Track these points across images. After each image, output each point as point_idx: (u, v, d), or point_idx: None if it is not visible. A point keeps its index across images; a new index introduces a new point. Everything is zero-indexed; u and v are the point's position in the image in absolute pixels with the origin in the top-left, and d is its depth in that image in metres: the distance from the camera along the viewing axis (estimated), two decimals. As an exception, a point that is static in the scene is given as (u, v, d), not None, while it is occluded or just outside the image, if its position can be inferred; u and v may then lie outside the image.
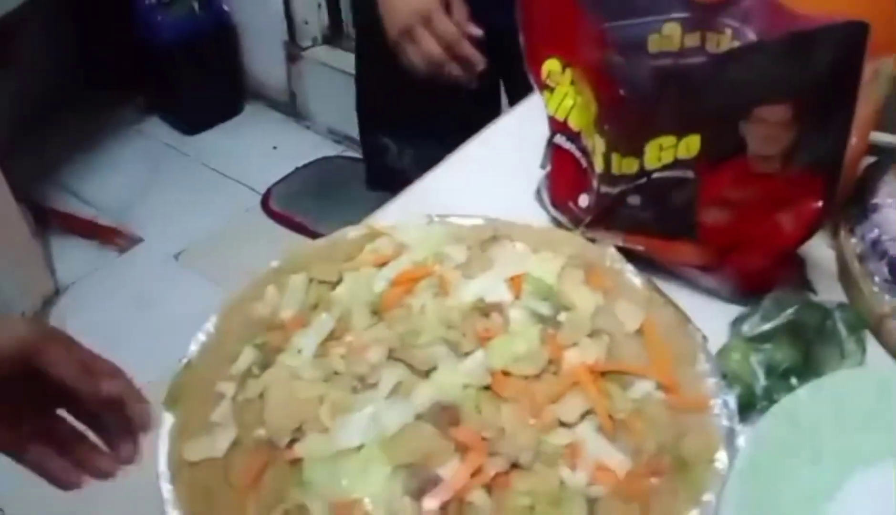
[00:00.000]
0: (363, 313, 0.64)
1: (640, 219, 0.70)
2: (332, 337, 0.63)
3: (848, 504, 0.52)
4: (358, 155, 2.20)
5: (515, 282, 0.66)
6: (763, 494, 0.52)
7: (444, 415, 0.55)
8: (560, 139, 0.75)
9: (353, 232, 0.74)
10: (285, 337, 0.63)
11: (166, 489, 0.56)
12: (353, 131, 2.23)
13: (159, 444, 0.59)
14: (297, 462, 0.55)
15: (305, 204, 1.99)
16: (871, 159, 0.76)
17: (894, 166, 0.75)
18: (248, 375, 0.61)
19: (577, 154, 0.73)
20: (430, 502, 0.51)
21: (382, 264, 0.69)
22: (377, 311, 0.64)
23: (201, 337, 0.67)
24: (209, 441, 0.57)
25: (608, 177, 0.68)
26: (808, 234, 0.66)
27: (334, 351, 0.61)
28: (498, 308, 0.64)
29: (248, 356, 0.62)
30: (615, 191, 0.68)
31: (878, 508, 0.51)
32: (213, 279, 1.71)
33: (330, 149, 2.21)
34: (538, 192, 0.82)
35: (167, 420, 0.60)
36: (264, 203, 2.04)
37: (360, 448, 0.54)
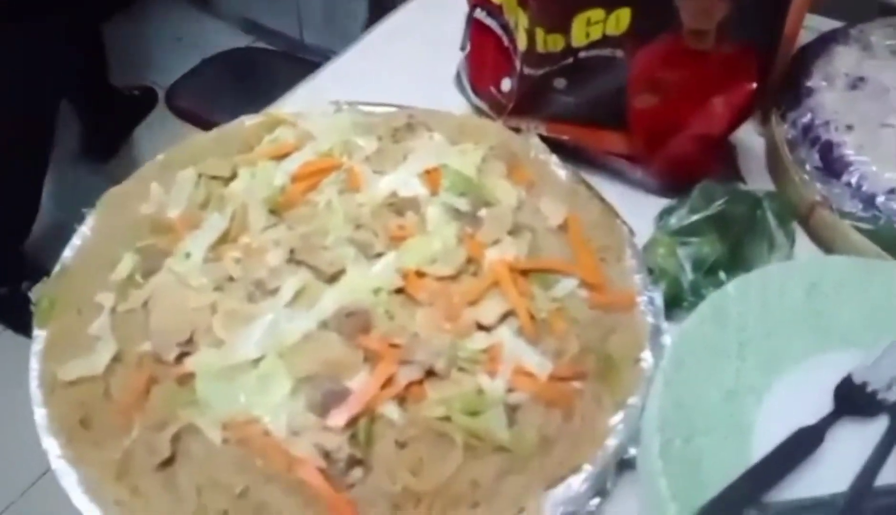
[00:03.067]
0: (260, 212, 0.57)
1: (565, 104, 0.64)
2: (226, 239, 0.56)
3: (776, 403, 0.50)
4: (270, 46, 2.06)
5: (432, 176, 0.60)
6: (688, 394, 0.49)
7: (352, 322, 0.50)
8: (480, 14, 0.67)
9: (249, 120, 0.66)
10: (172, 240, 0.56)
11: (39, 413, 0.50)
12: (266, 19, 2.08)
13: (30, 363, 0.52)
14: (187, 379, 0.49)
15: (215, 99, 1.85)
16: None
17: (829, 49, 0.71)
18: (130, 283, 0.54)
19: (499, 31, 0.66)
20: (337, 417, 0.46)
21: (283, 156, 0.61)
22: (276, 210, 0.57)
23: (76, 241, 0.59)
24: (87, 358, 0.51)
25: (532, 56, 0.61)
26: (741, 119, 0.62)
27: (228, 255, 0.54)
28: (412, 204, 0.58)
29: (128, 261, 0.55)
30: (539, 72, 0.62)
31: (806, 406, 0.49)
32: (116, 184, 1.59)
33: (241, 40, 2.06)
34: (458, 77, 0.75)
35: (38, 335, 0.53)
36: (169, 99, 1.90)
37: (258, 361, 0.49)
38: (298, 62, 1.86)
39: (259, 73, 1.93)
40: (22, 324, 1.03)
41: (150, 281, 0.54)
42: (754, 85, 0.59)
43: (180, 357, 0.50)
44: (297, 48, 1.98)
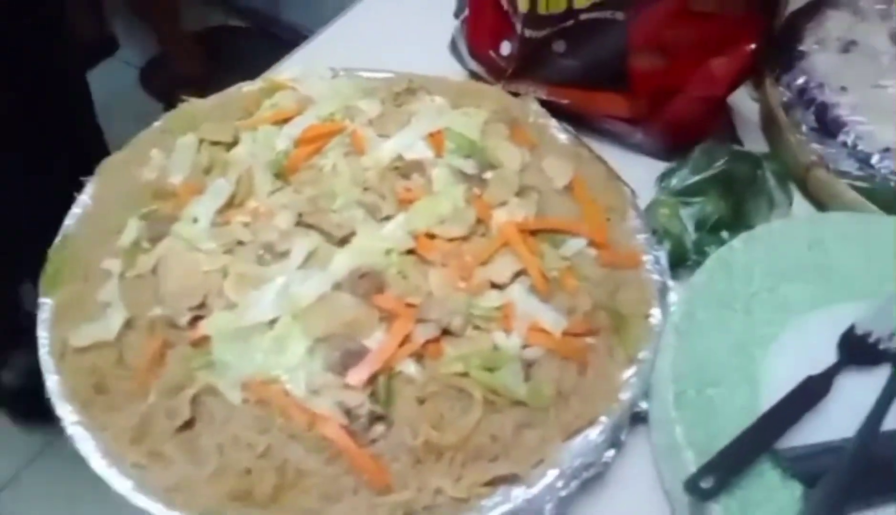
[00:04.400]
0: (266, 176, 0.56)
1: (565, 68, 0.65)
2: (232, 203, 0.55)
3: (782, 354, 0.51)
4: (242, 23, 2.03)
5: (436, 139, 0.60)
6: (698, 347, 0.51)
7: (366, 283, 0.50)
8: (479, -23, 0.67)
9: (247, 87, 0.66)
10: (177, 206, 0.55)
11: (52, 380, 0.49)
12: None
13: (39, 331, 0.51)
14: (202, 342, 0.49)
15: (190, 79, 1.82)
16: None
17: (820, 13, 0.72)
18: (137, 249, 0.53)
19: (499, -7, 0.66)
20: (356, 375, 0.46)
21: (284, 121, 0.61)
22: (282, 174, 0.57)
23: (76, 209, 0.58)
24: (98, 324, 0.50)
25: (533, 17, 0.61)
26: (740, 80, 0.63)
27: (236, 219, 0.54)
28: (418, 167, 0.58)
29: (134, 227, 0.54)
30: (540, 34, 0.62)
31: (813, 357, 0.50)
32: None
33: (216, 18, 2.01)
34: (453, 44, 0.75)
35: (44, 303, 0.53)
36: (144, 80, 1.86)
37: (272, 322, 0.49)
38: (275, 40, 1.83)
39: (235, 52, 1.90)
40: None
41: (157, 247, 0.53)
42: (753, 46, 0.60)
43: (193, 320, 0.49)
44: (273, 25, 1.95)
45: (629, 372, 0.50)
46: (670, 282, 0.56)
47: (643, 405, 0.50)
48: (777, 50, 0.70)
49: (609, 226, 0.57)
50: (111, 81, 1.81)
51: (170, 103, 0.65)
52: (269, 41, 1.85)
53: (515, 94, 0.67)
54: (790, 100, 0.67)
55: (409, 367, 0.47)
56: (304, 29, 0.84)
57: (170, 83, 1.83)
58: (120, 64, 1.89)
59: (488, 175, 0.58)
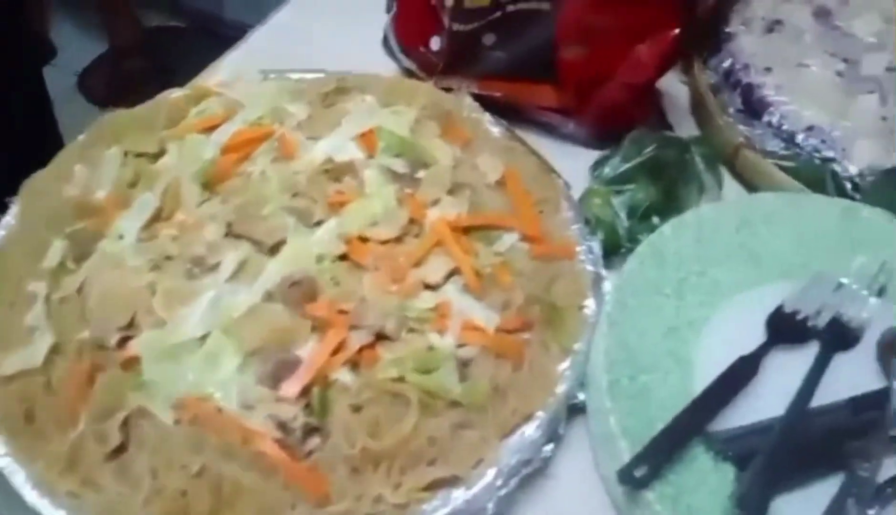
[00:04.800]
0: (193, 187, 0.55)
1: (496, 60, 0.65)
2: (159, 217, 0.54)
3: (713, 337, 0.52)
4: (186, 23, 1.98)
5: (367, 139, 0.60)
6: (630, 334, 0.51)
7: (297, 291, 0.49)
8: (405, -27, 0.67)
9: (173, 94, 0.64)
10: (102, 222, 0.54)
11: (-22, 410, 0.48)
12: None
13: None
14: (131, 363, 0.48)
15: (130, 82, 1.77)
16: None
17: (745, -8, 0.73)
18: (62, 270, 0.52)
19: (425, -11, 0.66)
20: (289, 387, 0.46)
21: (212, 128, 0.60)
22: (209, 183, 0.56)
23: (0, 231, 0.57)
24: (24, 350, 0.49)
25: (460, 11, 0.61)
26: (667, 64, 0.63)
27: (163, 233, 0.53)
28: (350, 169, 0.58)
29: (58, 247, 0.53)
30: (468, 28, 0.62)
31: (743, 338, 0.51)
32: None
33: (154, 18, 1.97)
34: (385, 39, 0.74)
35: (-31, 331, 0.51)
36: (82, 85, 1.81)
37: (203, 338, 0.48)
38: (218, 39, 1.80)
39: (175, 52, 1.86)
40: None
41: (83, 266, 0.52)
42: (677, 31, 0.61)
43: (122, 341, 0.49)
44: (216, 24, 1.92)
45: (564, 365, 0.50)
46: (604, 272, 0.56)
47: (580, 396, 0.51)
48: (704, 32, 0.71)
49: (542, 219, 0.58)
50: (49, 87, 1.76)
51: (111, 107, 0.63)
52: (213, 40, 1.82)
53: (448, 89, 0.66)
54: (717, 83, 0.68)
55: (344, 375, 0.47)
56: (248, 27, 0.83)
57: (109, 88, 1.79)
58: (56, 69, 1.84)
59: (420, 174, 0.58)
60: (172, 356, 0.48)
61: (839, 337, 0.52)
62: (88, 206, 0.55)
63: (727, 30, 0.70)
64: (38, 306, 0.51)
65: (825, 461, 0.47)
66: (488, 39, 0.63)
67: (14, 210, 0.58)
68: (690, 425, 0.47)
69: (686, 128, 0.69)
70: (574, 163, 0.63)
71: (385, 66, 0.74)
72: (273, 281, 0.50)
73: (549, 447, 0.49)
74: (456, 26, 0.62)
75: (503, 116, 0.66)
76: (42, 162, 0.59)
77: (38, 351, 0.48)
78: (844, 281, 0.54)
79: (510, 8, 0.61)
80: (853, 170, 0.60)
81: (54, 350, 0.49)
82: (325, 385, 0.47)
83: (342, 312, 0.49)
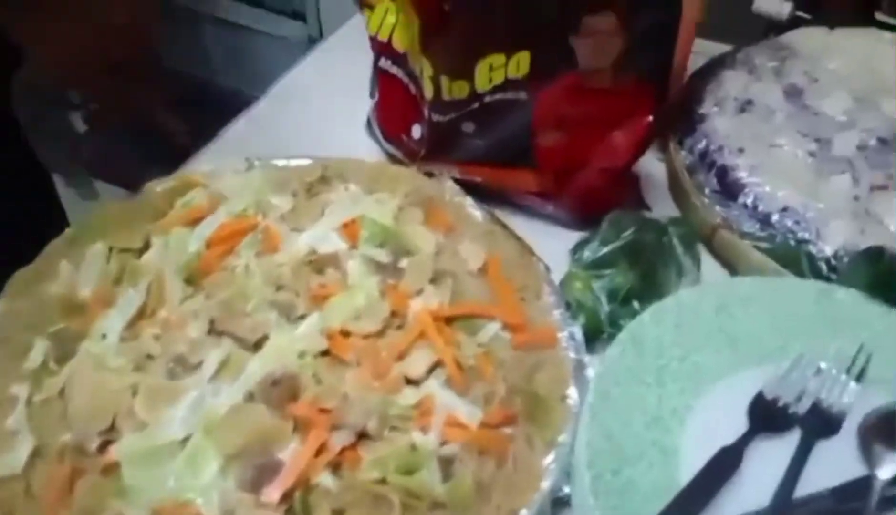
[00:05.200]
0: (177, 282, 0.56)
1: (476, 147, 0.66)
2: (143, 314, 0.55)
3: (698, 425, 0.52)
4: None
5: (350, 229, 0.61)
6: (613, 426, 0.51)
7: (279, 391, 0.49)
8: (385, 63, 0.68)
9: (159, 186, 0.65)
10: (86, 321, 0.54)
11: (-43, 518, 0.47)
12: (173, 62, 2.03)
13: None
14: (112, 468, 0.48)
15: (121, 154, 1.78)
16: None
17: (718, 74, 0.75)
18: (44, 371, 0.52)
19: (406, 79, 0.67)
20: (271, 492, 0.45)
21: (196, 221, 0.60)
22: (193, 278, 0.57)
23: (-17, 329, 0.57)
24: (5, 456, 0.49)
25: (439, 103, 0.63)
26: (640, 150, 0.65)
27: (146, 332, 0.53)
28: (333, 260, 0.58)
29: (41, 348, 0.53)
30: (447, 118, 0.64)
31: (727, 425, 0.51)
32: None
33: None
34: (369, 124, 0.76)
35: (-51, 435, 0.51)
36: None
37: (184, 440, 0.48)
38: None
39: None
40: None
41: (65, 367, 0.52)
42: (650, 118, 0.62)
43: (103, 445, 0.48)
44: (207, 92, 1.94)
45: (549, 459, 0.50)
46: (586, 358, 0.56)
47: (566, 489, 0.51)
48: (678, 113, 0.73)
49: (524, 305, 0.58)
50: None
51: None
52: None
53: (430, 174, 0.68)
54: (693, 164, 0.69)
55: (325, 479, 0.47)
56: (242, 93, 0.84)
57: (99, 160, 1.79)
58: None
59: (403, 262, 0.59)
60: (152, 460, 0.47)
61: (821, 423, 0.52)
62: (72, 305, 0.56)
63: (700, 111, 0.72)
64: (19, 409, 0.51)
65: (811, 552, 0.47)
66: (468, 128, 0.65)
67: (-2, 307, 0.58)
68: (675, 520, 0.47)
69: (665, 206, 0.70)
70: (555, 245, 0.64)
71: (370, 150, 0.75)
72: (255, 379, 0.50)
73: (535, 543, 0.48)
74: (435, 117, 0.64)
75: (485, 198, 0.67)
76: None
77: (18, 457, 0.48)
78: (823, 365, 0.54)
79: (488, 99, 0.62)
80: (828, 250, 0.61)
81: (35, 453, 0.49)
82: (307, 489, 0.46)
83: (324, 411, 0.49)
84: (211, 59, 1.95)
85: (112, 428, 0.49)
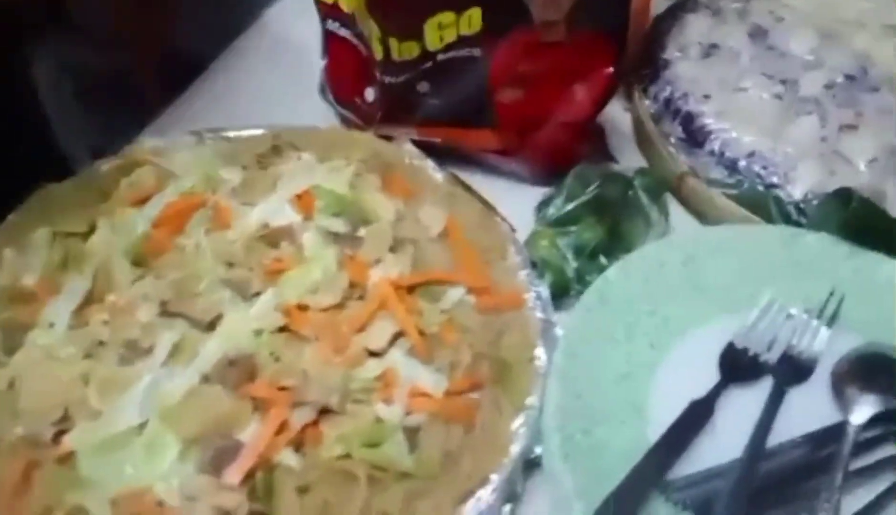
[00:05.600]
0: (125, 265, 0.54)
1: (432, 107, 0.64)
2: (91, 300, 0.53)
3: (668, 380, 0.51)
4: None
5: (304, 200, 0.58)
6: (582, 385, 0.50)
7: (236, 371, 0.48)
8: (333, 25, 0.65)
9: (105, 164, 0.63)
10: (33, 310, 0.52)
11: None
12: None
13: None
14: (68, 458, 0.46)
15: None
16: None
17: (680, 18, 0.73)
18: (-8, 364, 0.50)
19: (355, 41, 0.65)
20: (232, 474, 0.44)
21: (143, 201, 0.58)
22: (142, 260, 0.54)
23: (-73, 323, 0.54)
24: (-45, 452, 0.47)
25: (389, 64, 0.60)
26: (603, 102, 0.62)
27: (95, 318, 0.51)
28: (287, 233, 0.56)
29: (-13, 341, 0.51)
30: (400, 79, 0.61)
31: (697, 378, 0.50)
32: None
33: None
34: (322, 88, 0.73)
35: None
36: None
37: (140, 427, 0.46)
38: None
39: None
40: None
41: (13, 359, 0.50)
42: (611, 68, 0.60)
43: (57, 436, 0.47)
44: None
45: (518, 422, 0.49)
46: (554, 317, 0.55)
47: (538, 450, 0.50)
48: (643, 60, 0.71)
49: (488, 268, 0.57)
50: None
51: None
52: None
53: (388, 137, 0.65)
54: (658, 112, 0.67)
55: (288, 457, 0.45)
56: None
57: None
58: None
59: (361, 231, 0.57)
60: (109, 448, 0.46)
61: (792, 370, 0.51)
62: (18, 293, 0.53)
63: (664, 57, 0.70)
64: (-32, 405, 0.49)
65: (786, 501, 0.46)
66: (423, 87, 0.62)
67: (-57, 299, 0.55)
68: (647, 477, 0.46)
69: (632, 157, 0.69)
70: (520, 203, 0.63)
71: (325, 115, 0.72)
72: (210, 361, 0.48)
73: (508, 508, 0.47)
74: (388, 79, 0.61)
75: (446, 159, 0.65)
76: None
77: (-31, 455, 0.46)
78: (794, 311, 0.54)
79: (441, 57, 0.60)
80: (797, 194, 0.59)
81: (-13, 449, 0.47)
82: (269, 468, 0.45)
83: (283, 389, 0.47)
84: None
85: (65, 418, 0.47)
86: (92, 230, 0.57)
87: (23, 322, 0.52)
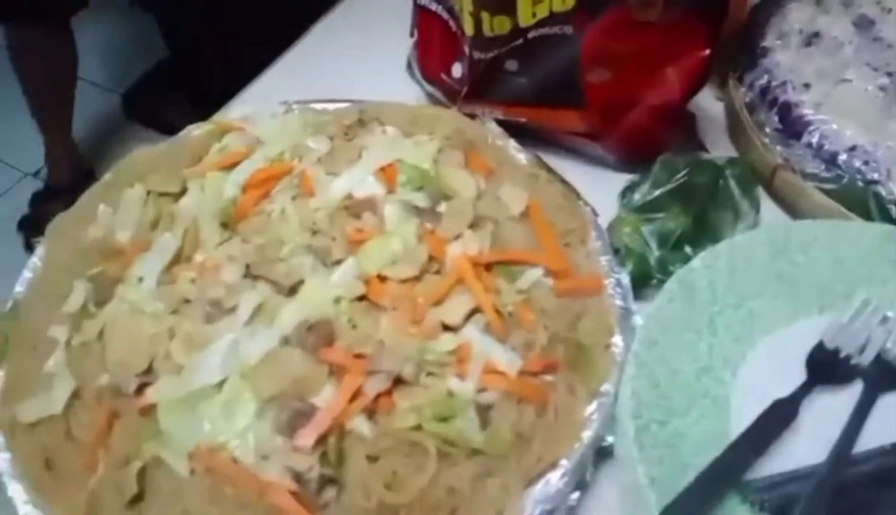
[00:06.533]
0: (213, 227, 0.55)
1: (519, 86, 0.63)
2: (179, 258, 0.54)
3: (751, 376, 0.49)
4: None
5: (388, 173, 0.59)
6: (662, 374, 0.49)
7: (314, 336, 0.48)
8: (424, 0, 0.65)
9: (197, 130, 0.64)
10: (123, 265, 0.54)
11: (3, 458, 0.48)
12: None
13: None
14: (149, 410, 0.48)
15: (174, 101, 1.76)
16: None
17: (782, 6, 0.70)
18: (83, 314, 0.52)
19: (445, 16, 0.64)
20: (305, 437, 0.45)
21: (232, 166, 0.59)
22: (229, 223, 0.56)
23: (26, 273, 0.57)
24: (45, 397, 0.49)
25: (480, 39, 0.60)
26: (695, 87, 0.60)
27: (182, 276, 0.53)
28: (370, 205, 0.57)
29: (80, 291, 0.53)
30: (489, 55, 0.61)
31: (782, 376, 0.48)
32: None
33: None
34: (409, 65, 0.73)
35: (-5, 377, 0.52)
36: (127, 105, 1.83)
37: (220, 384, 0.47)
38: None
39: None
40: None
41: (103, 311, 0.52)
42: (706, 51, 0.58)
43: (141, 388, 0.48)
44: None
45: (591, 408, 0.48)
46: (634, 306, 0.54)
47: (609, 439, 0.49)
48: (740, 47, 0.68)
49: (568, 251, 0.56)
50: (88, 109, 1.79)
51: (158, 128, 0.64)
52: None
53: (472, 116, 0.65)
54: (753, 101, 0.65)
55: (360, 424, 0.46)
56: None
57: (154, 107, 1.77)
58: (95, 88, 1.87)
59: (442, 207, 0.57)
60: (189, 403, 0.47)
61: (885, 375, 0.49)
62: (110, 249, 0.55)
63: (763, 44, 0.67)
64: (59, 351, 0.51)
65: (869, 510, 0.44)
66: (511, 65, 0.61)
67: (40, 251, 0.58)
68: (725, 474, 0.45)
69: (722, 148, 0.66)
70: (603, 188, 0.61)
71: (410, 90, 0.73)
72: (290, 324, 0.49)
73: (576, 495, 0.47)
74: (476, 54, 0.61)
75: (530, 140, 0.64)
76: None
77: (58, 398, 0.49)
78: (890, 314, 0.51)
79: (532, 34, 0.59)
80: (899, 192, 0.56)
81: (74, 395, 0.49)
82: (341, 434, 0.45)
83: (359, 357, 0.48)
84: None
85: (149, 370, 0.49)
86: (183, 191, 0.58)
87: (113, 276, 0.54)
